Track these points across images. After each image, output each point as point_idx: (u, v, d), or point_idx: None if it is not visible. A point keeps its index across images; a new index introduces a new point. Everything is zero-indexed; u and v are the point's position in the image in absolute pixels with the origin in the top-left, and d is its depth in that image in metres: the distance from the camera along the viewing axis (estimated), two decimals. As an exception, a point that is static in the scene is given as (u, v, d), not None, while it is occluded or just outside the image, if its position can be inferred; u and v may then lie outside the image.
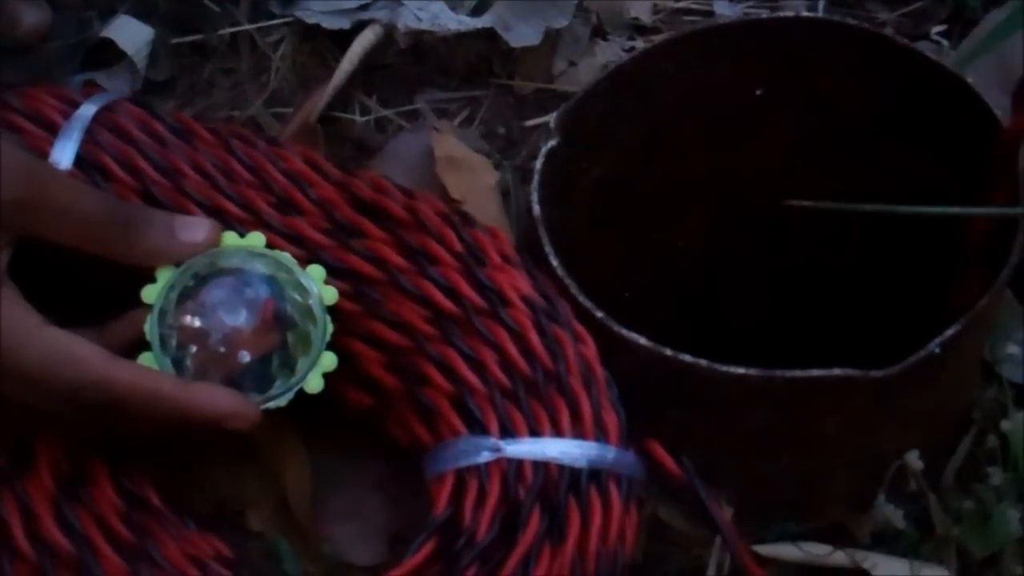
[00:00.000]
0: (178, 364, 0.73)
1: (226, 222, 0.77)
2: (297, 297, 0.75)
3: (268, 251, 0.76)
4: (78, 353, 0.69)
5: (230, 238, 0.76)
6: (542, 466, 0.72)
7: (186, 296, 0.74)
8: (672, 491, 0.82)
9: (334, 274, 0.76)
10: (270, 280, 0.75)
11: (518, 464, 0.72)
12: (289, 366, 0.74)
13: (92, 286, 0.76)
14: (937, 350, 0.73)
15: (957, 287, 0.81)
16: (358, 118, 1.02)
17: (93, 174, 0.78)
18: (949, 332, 0.74)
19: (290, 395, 0.74)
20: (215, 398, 0.72)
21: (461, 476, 0.73)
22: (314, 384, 0.75)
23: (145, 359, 0.73)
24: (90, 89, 0.86)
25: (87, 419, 0.72)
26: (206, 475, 0.82)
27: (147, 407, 0.71)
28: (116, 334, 0.75)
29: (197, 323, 0.74)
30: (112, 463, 0.75)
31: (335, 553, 0.81)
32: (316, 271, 0.76)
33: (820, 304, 0.96)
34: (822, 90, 0.90)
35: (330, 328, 0.75)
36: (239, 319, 0.74)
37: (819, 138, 0.91)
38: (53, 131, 0.79)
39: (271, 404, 0.74)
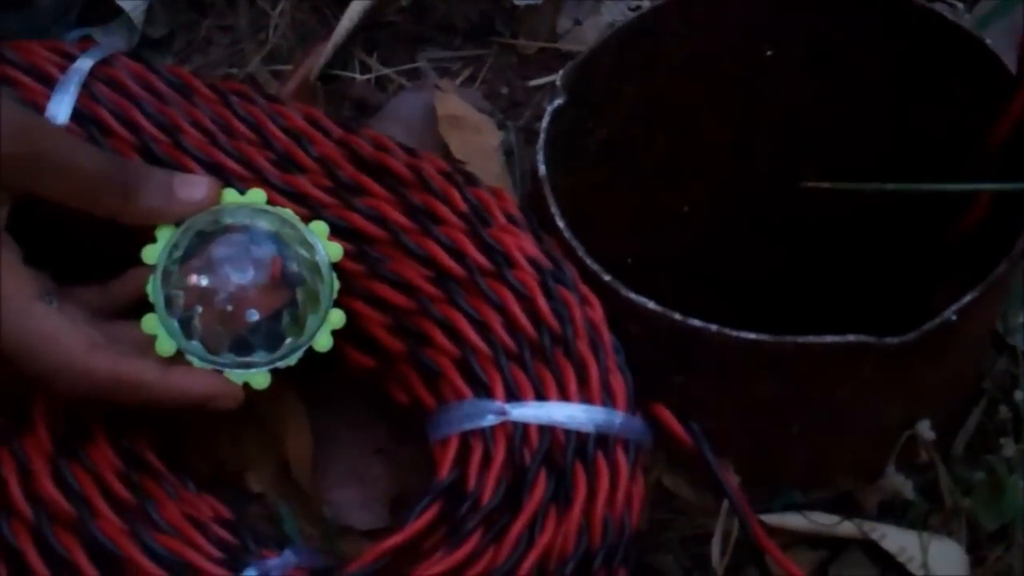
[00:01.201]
0: (186, 325, 0.72)
1: (226, 179, 0.76)
2: (304, 253, 0.74)
3: (271, 207, 0.74)
4: (58, 338, 0.69)
5: (230, 195, 0.74)
6: (548, 430, 0.71)
7: (191, 255, 0.73)
8: (678, 459, 0.81)
9: (336, 233, 0.75)
10: (275, 237, 0.74)
11: (524, 428, 0.71)
12: (299, 324, 0.73)
13: (95, 244, 0.75)
14: (954, 317, 0.72)
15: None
16: (358, 76, 1.01)
17: (91, 129, 0.77)
18: (966, 299, 0.72)
19: (299, 354, 0.73)
20: (196, 382, 0.72)
21: (466, 440, 0.72)
22: (323, 342, 0.74)
23: (148, 322, 0.72)
24: (86, 44, 0.84)
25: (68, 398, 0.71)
26: (206, 437, 0.80)
27: (127, 395, 0.70)
28: (118, 292, 0.74)
29: (204, 282, 0.72)
30: (111, 423, 0.73)
31: (335, 517, 0.80)
32: (319, 227, 0.74)
33: (828, 271, 0.95)
34: (834, 51, 0.88)
35: (337, 285, 0.74)
36: (246, 277, 0.72)
37: (830, 100, 0.90)
38: (50, 85, 0.78)
39: (280, 363, 0.73)
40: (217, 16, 1.03)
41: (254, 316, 0.73)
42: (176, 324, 0.72)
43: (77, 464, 0.71)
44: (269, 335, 0.73)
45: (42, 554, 0.68)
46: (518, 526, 0.69)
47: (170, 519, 0.71)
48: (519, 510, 0.69)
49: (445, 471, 0.71)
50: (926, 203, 0.84)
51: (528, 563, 0.68)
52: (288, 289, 0.73)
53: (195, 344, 0.72)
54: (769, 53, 0.89)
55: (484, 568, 0.68)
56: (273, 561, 0.70)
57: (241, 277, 0.72)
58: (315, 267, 0.74)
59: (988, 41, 0.82)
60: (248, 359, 0.73)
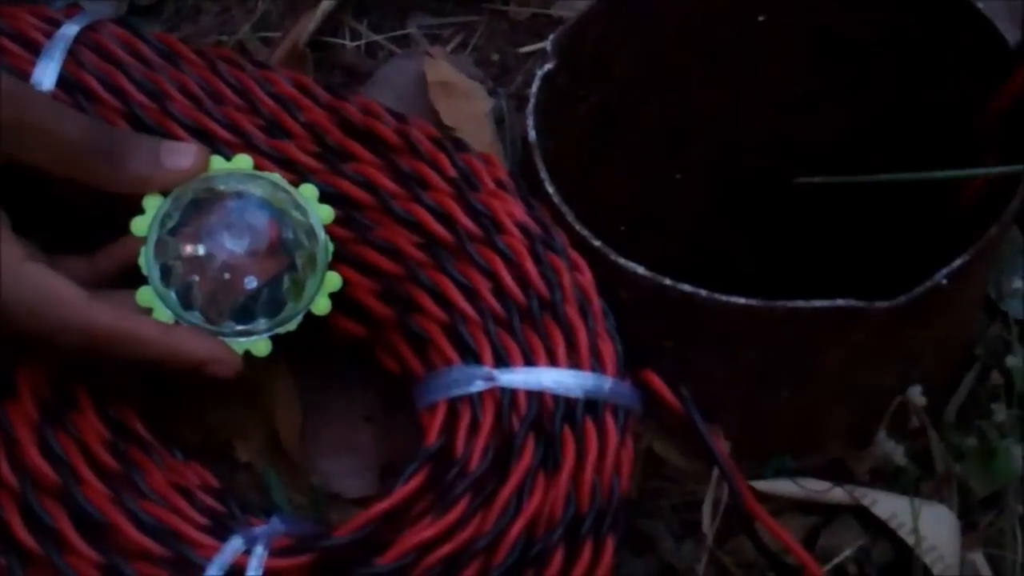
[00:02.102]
0: (184, 295, 0.72)
1: (213, 145, 0.75)
2: (299, 216, 0.73)
3: (260, 172, 0.74)
4: (57, 293, 0.68)
5: (217, 162, 0.74)
6: (536, 396, 0.71)
7: (185, 224, 0.72)
8: (668, 425, 0.80)
9: (324, 199, 0.75)
10: (269, 202, 0.73)
11: (512, 394, 0.71)
12: (299, 288, 0.73)
13: (83, 213, 0.75)
14: (944, 281, 0.71)
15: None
16: (348, 43, 1.00)
17: (77, 95, 0.76)
18: (957, 263, 0.72)
19: (299, 318, 0.73)
20: (195, 344, 0.71)
21: (453, 406, 0.72)
22: (322, 305, 0.73)
23: (143, 294, 0.71)
24: (72, 10, 0.83)
25: (66, 356, 0.71)
26: (193, 405, 0.80)
27: (126, 351, 0.70)
28: (106, 263, 0.73)
29: (200, 251, 0.72)
30: (97, 391, 0.73)
31: (324, 485, 0.80)
32: (308, 190, 0.74)
33: (822, 238, 0.94)
34: (825, 16, 0.88)
35: (331, 248, 0.73)
36: (243, 244, 0.72)
37: (822, 66, 0.90)
38: (35, 51, 0.77)
39: (280, 329, 0.73)
40: (207, -17, 1.03)
41: (252, 283, 0.72)
42: (173, 295, 0.72)
43: (62, 432, 0.70)
44: (271, 302, 0.73)
45: (27, 523, 0.68)
46: (506, 492, 0.68)
47: (156, 487, 0.70)
48: (507, 476, 0.69)
49: (433, 437, 0.71)
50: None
51: (516, 529, 0.68)
52: (285, 254, 0.73)
53: (195, 314, 0.72)
54: (761, 18, 0.89)
55: (472, 534, 0.68)
56: (260, 528, 0.69)
57: (237, 244, 0.72)
58: (310, 230, 0.73)
59: (981, 5, 0.81)
60: (248, 327, 0.72)
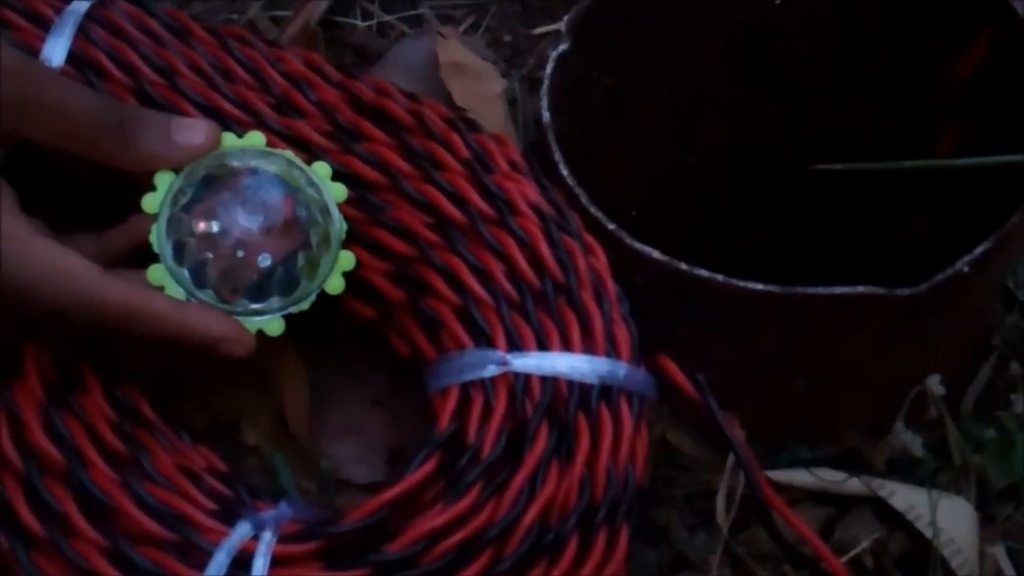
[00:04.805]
0: (197, 273, 0.71)
1: (224, 123, 0.74)
2: (313, 194, 0.72)
3: (273, 150, 0.73)
4: (68, 268, 0.67)
5: (229, 139, 0.73)
6: (550, 381, 0.70)
7: (198, 200, 0.71)
8: (682, 413, 0.79)
9: (336, 178, 0.73)
10: (282, 179, 0.72)
11: (525, 379, 0.70)
12: (313, 266, 0.72)
13: (94, 191, 0.74)
14: (966, 269, 0.70)
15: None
16: (359, 23, 0.99)
17: (86, 71, 0.75)
18: (978, 250, 0.71)
19: (312, 298, 0.72)
20: (209, 321, 0.70)
21: (466, 390, 0.71)
22: (335, 284, 0.72)
23: (154, 272, 0.70)
24: (82, -14, 0.83)
25: (77, 333, 0.70)
26: (201, 387, 0.79)
27: (139, 326, 0.69)
28: (115, 241, 0.72)
29: (215, 228, 0.71)
30: (104, 372, 0.72)
31: (332, 470, 0.79)
32: (322, 168, 0.73)
33: (834, 227, 0.93)
34: (843, 2, 0.86)
35: (344, 226, 0.72)
36: (257, 221, 0.71)
37: (838, 51, 0.89)
38: (45, 27, 0.77)
39: (294, 308, 0.72)
40: (217, -38, 1.02)
41: (266, 261, 0.71)
42: (186, 273, 0.71)
43: (69, 414, 0.69)
44: (285, 280, 0.72)
45: (32, 506, 0.67)
46: (519, 479, 0.67)
47: (163, 470, 0.70)
48: (520, 463, 0.68)
49: (444, 422, 0.70)
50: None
51: (529, 517, 0.67)
52: (300, 231, 0.72)
53: (207, 292, 0.71)
54: (778, 2, 0.88)
55: (484, 521, 0.67)
56: (268, 513, 0.68)
57: (252, 221, 0.71)
58: (324, 208, 0.72)
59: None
60: (262, 305, 0.72)
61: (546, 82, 0.79)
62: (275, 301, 0.72)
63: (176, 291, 0.70)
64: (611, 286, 0.73)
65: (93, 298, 0.67)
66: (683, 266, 0.71)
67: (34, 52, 0.75)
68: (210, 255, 0.71)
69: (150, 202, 0.71)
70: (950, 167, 0.77)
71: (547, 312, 0.72)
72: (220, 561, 0.66)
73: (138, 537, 0.66)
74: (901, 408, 0.79)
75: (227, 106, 0.75)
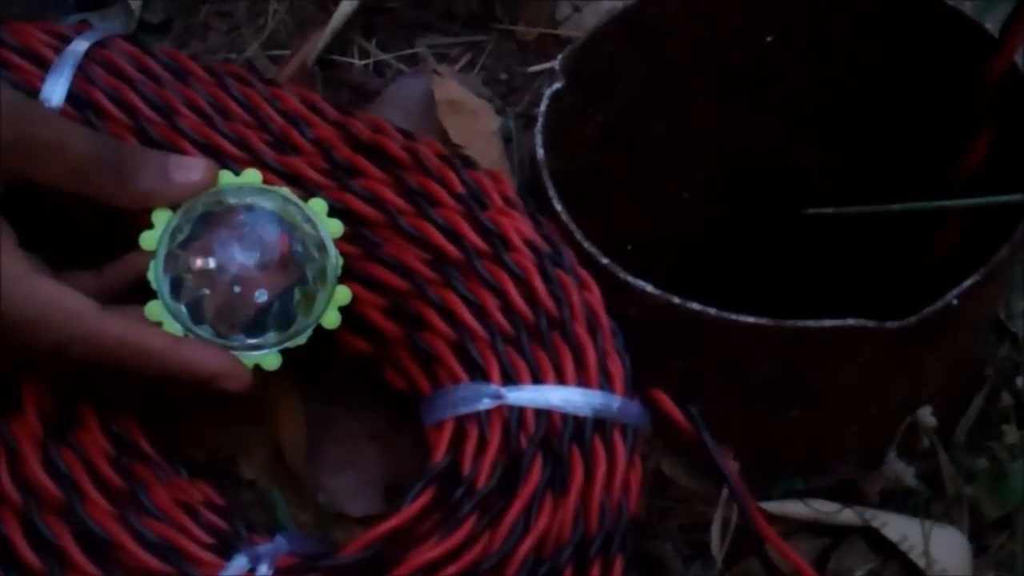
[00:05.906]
0: (194, 309, 0.71)
1: (222, 161, 0.75)
2: (309, 230, 0.73)
3: (269, 187, 0.74)
4: (67, 305, 0.68)
5: (226, 177, 0.73)
6: (545, 414, 0.70)
7: (196, 237, 0.72)
8: (676, 445, 0.80)
9: (332, 215, 0.74)
10: (279, 215, 0.73)
11: (520, 412, 0.70)
12: (309, 301, 0.73)
13: (92, 229, 0.75)
14: (955, 301, 0.71)
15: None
16: (357, 62, 1.00)
17: (86, 111, 0.76)
18: (967, 283, 0.71)
19: (309, 332, 0.73)
20: (207, 356, 0.71)
21: (461, 423, 0.71)
22: (332, 319, 0.73)
23: (152, 308, 0.71)
24: (82, 26, 0.83)
25: (74, 369, 0.70)
26: (198, 422, 0.80)
27: (135, 363, 0.69)
28: (113, 278, 0.73)
29: (211, 264, 0.72)
30: (101, 407, 0.73)
31: (329, 503, 0.79)
32: (318, 204, 0.74)
33: (827, 261, 0.94)
34: (835, 37, 0.88)
35: (340, 261, 0.73)
36: (254, 257, 0.72)
37: (831, 87, 0.89)
38: (44, 67, 0.78)
39: (291, 343, 0.73)
40: (216, 1, 1.03)
41: (263, 296, 0.72)
42: (184, 309, 0.71)
43: (67, 448, 0.70)
44: (280, 315, 0.72)
45: (30, 540, 0.67)
46: (514, 511, 0.68)
47: (160, 504, 0.70)
48: (515, 495, 0.68)
49: (440, 455, 0.70)
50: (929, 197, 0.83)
51: (524, 549, 0.67)
52: (296, 267, 0.73)
53: (205, 328, 0.71)
54: (770, 39, 0.89)
55: (479, 554, 0.67)
56: (264, 547, 0.69)
57: (248, 257, 0.72)
58: (320, 244, 0.73)
59: (989, 27, 0.81)
60: (258, 340, 0.72)
61: (540, 119, 0.79)
62: (272, 336, 0.72)
63: (173, 327, 0.71)
64: (605, 319, 0.74)
65: (91, 334, 0.68)
66: (676, 299, 0.72)
67: (34, 92, 0.76)
68: (207, 291, 0.72)
69: (148, 239, 0.72)
70: (936, 208, 0.78)
71: (541, 346, 0.72)
72: (217, 594, 0.66)
73: (135, 571, 0.67)
74: (894, 439, 0.79)
75: (225, 144, 0.76)
